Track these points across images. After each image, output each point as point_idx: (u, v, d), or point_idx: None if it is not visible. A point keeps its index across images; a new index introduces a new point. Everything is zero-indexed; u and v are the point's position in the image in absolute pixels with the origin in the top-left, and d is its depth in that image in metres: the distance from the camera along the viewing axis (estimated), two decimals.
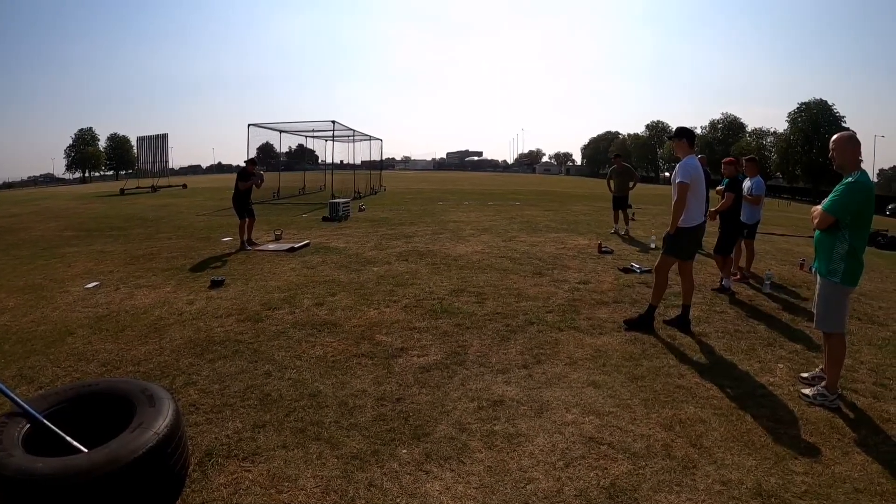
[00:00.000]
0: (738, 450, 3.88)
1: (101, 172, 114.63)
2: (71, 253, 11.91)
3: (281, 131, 29.03)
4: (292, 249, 11.45)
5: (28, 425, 3.27)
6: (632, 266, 9.89)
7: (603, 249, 11.61)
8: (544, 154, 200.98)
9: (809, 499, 3.34)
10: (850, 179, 4.46)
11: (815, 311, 4.82)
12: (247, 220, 12.26)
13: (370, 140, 32.53)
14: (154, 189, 38.03)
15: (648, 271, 9.21)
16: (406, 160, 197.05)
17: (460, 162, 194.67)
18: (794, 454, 3.84)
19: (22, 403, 3.36)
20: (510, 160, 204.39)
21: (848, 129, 66.13)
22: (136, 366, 5.42)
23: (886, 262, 13.09)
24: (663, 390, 4.82)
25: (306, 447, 3.88)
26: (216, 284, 8.51)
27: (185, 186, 42.65)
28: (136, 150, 43.72)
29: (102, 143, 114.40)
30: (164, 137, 41.36)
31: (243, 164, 12.73)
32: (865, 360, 5.71)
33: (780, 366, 5.47)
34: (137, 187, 38.77)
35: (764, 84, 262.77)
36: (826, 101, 72.50)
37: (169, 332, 6.40)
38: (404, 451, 3.84)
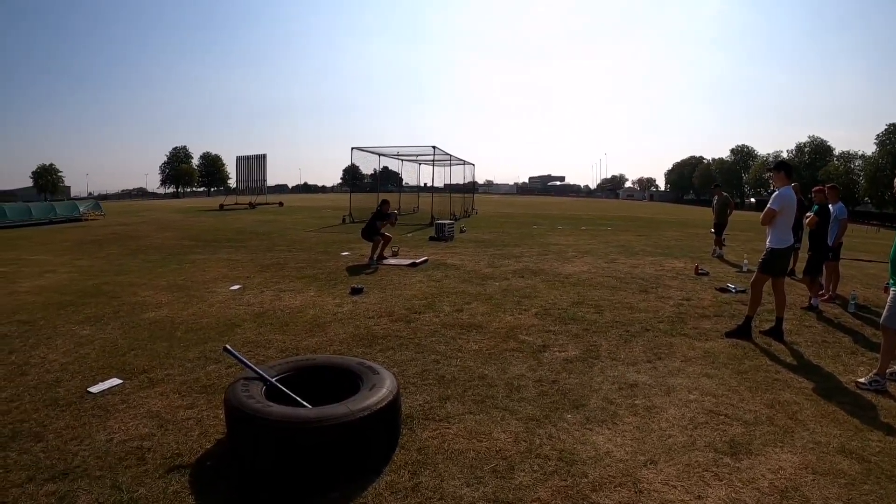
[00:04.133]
0: (826, 423, 4.80)
1: (193, 188, 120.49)
2: (200, 259, 13.68)
3: (381, 154, 30.75)
4: (413, 265, 12.76)
5: (264, 387, 4.13)
6: (728, 286, 10.43)
7: (700, 271, 12.16)
8: (627, 179, 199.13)
9: (882, 456, 4.23)
10: None
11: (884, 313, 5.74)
12: (379, 239, 13.50)
13: (464, 165, 33.85)
14: (252, 206, 40.01)
15: (743, 291, 9.79)
16: (489, 184, 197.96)
17: (543, 186, 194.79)
18: (870, 428, 4.74)
19: (258, 370, 4.27)
20: (592, 185, 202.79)
21: None
22: (313, 352, 6.34)
23: None
24: (763, 381, 5.76)
25: (489, 413, 4.84)
26: (356, 291, 9.68)
27: (281, 204, 44.63)
28: (235, 169, 45.69)
29: (195, 161, 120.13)
30: (262, 158, 43.41)
31: (379, 206, 14.02)
32: None
33: (862, 368, 6.25)
34: (236, 203, 40.96)
35: (847, 105, 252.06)
36: None
37: (330, 328, 7.44)
38: (569, 415, 4.83)
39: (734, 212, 17.35)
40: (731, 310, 8.77)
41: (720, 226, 16.51)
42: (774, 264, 7.27)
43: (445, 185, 36.05)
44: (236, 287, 10.12)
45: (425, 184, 39.40)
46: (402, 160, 33.83)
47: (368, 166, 31.27)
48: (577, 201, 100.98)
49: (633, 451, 4.22)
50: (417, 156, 30.48)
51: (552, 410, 4.95)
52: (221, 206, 39.90)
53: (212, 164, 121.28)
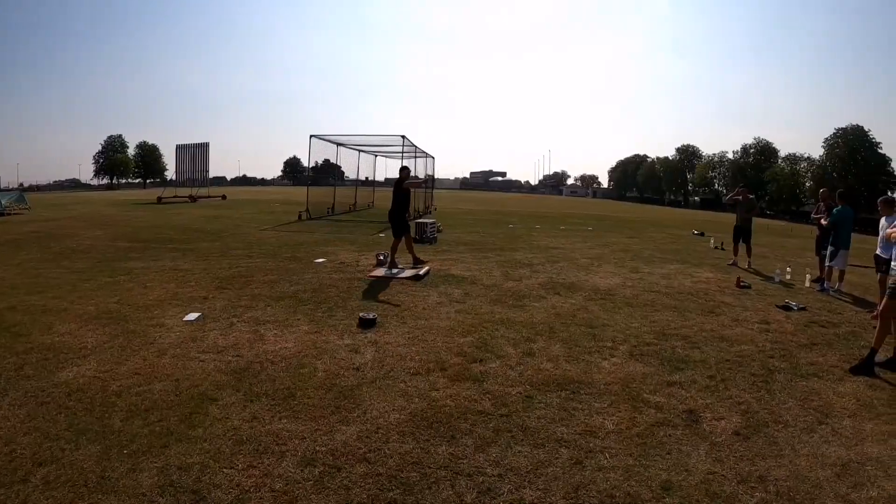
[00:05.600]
0: None
1: (129, 180, 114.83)
2: (138, 269, 10.63)
3: (340, 144, 27.95)
4: (417, 277, 10.31)
5: None
6: (789, 304, 9.64)
7: (742, 284, 11.21)
8: (569, 176, 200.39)
9: None
10: None
11: None
12: (403, 237, 11.46)
13: (427, 157, 31.50)
14: (193, 199, 36.86)
15: (804, 308, 9.39)
16: (430, 179, 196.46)
17: (484, 182, 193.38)
18: None
19: None
20: (534, 181, 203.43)
21: (884, 154, 65.44)
22: (372, 466, 3.91)
23: None
24: None
25: None
26: (368, 324, 7.19)
27: (224, 198, 41.38)
28: (175, 159, 42.49)
29: (131, 151, 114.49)
30: (205, 147, 40.19)
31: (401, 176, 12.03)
32: None
33: None
34: (175, 196, 37.67)
35: (790, 108, 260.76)
36: (862, 127, 71.40)
37: (365, 400, 4.97)
38: None
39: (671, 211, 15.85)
40: (817, 335, 7.91)
41: (745, 232, 14.56)
42: None
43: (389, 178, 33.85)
44: (194, 317, 7.27)
45: (367, 178, 36.91)
46: (360, 151, 31.15)
47: (322, 157, 28.56)
48: (524, 197, 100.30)
49: None
50: (382, 146, 27.91)
51: None
52: (160, 198, 36.58)
53: (149, 155, 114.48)
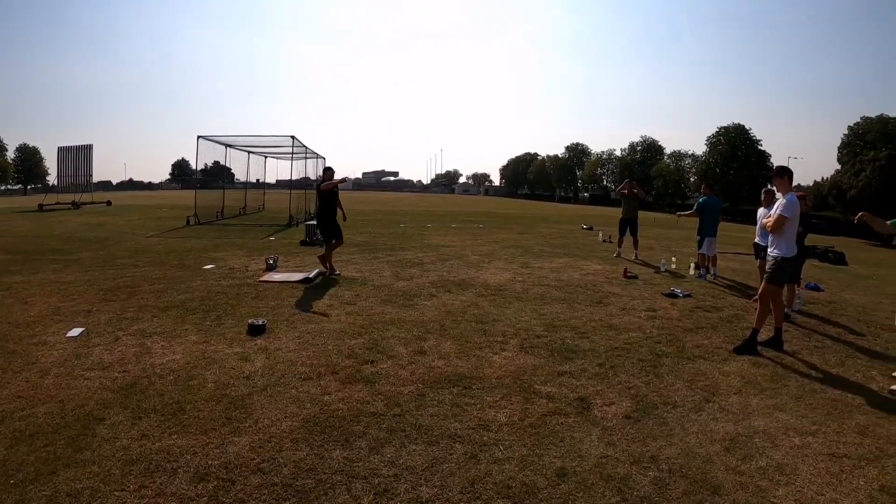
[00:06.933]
0: None
1: (9, 186, 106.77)
2: (17, 283, 9.65)
3: (228, 145, 26.73)
4: (307, 280, 10.01)
5: None
6: (673, 291, 10.11)
7: (629, 275, 11.68)
8: (462, 175, 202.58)
9: None
10: None
11: None
12: (334, 241, 11.02)
13: (317, 158, 30.95)
14: (76, 206, 34.56)
15: (689, 295, 9.92)
16: (347, 179, 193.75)
17: (377, 182, 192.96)
18: None
19: None
20: (426, 180, 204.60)
21: (764, 151, 69.28)
22: (266, 476, 3.75)
23: (840, 274, 15.23)
24: (825, 403, 5.44)
25: None
26: (257, 330, 6.91)
27: (109, 203, 38.78)
28: (57, 163, 39.71)
29: (10, 155, 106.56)
30: (88, 149, 37.39)
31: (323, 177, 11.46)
32: None
33: (874, 371, 6.46)
34: (57, 203, 35.20)
35: (675, 108, 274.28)
36: (743, 126, 75.31)
37: (256, 408, 4.78)
38: None
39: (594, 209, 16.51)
40: (702, 319, 8.48)
41: (632, 223, 15.07)
42: (783, 274, 7.04)
43: (297, 180, 32.97)
44: (77, 332, 6.66)
45: (258, 180, 35.71)
46: (250, 153, 30.23)
47: (211, 159, 27.54)
48: (417, 197, 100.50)
49: None
50: (271, 147, 27.10)
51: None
52: (41, 205, 33.86)
53: (30, 158, 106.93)
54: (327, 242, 11.06)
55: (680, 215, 14.53)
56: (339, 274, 10.81)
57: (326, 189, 10.91)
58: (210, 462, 3.88)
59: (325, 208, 11.09)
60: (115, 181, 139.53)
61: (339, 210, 11.34)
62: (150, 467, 3.80)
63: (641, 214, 15.82)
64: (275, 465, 3.87)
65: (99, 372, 5.48)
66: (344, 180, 11.26)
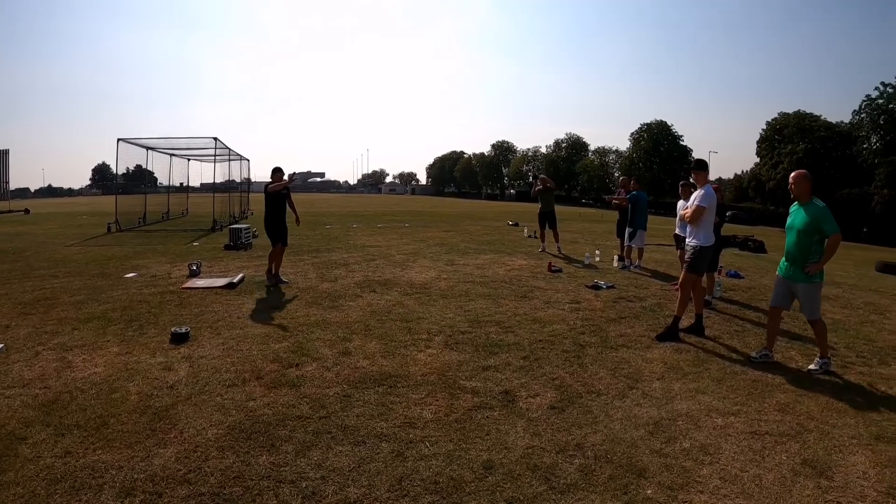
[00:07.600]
0: (833, 416, 5.05)
1: None
2: None
3: (150, 148, 25.65)
4: (231, 285, 9.84)
5: None
6: (597, 283, 10.33)
7: (553, 269, 11.95)
8: (388, 174, 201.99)
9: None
10: (822, 204, 5.92)
11: (804, 310, 6.21)
12: (280, 245, 10.49)
13: (241, 160, 30.42)
14: None
15: (613, 287, 10.19)
16: (246, 181, 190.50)
17: (303, 183, 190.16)
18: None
19: None
20: (352, 181, 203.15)
21: (685, 146, 71.40)
22: (193, 486, 3.70)
23: (760, 262, 15.78)
24: (745, 385, 5.71)
25: None
26: (180, 338, 6.76)
27: (27, 211, 37.00)
28: None
29: None
30: (4, 154, 36.06)
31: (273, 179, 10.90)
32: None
33: (794, 352, 6.78)
34: None
35: (601, 107, 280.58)
36: (665, 122, 77.97)
37: (181, 418, 4.67)
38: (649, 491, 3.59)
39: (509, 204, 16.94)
40: (625, 310, 8.72)
41: (550, 216, 15.46)
42: (703, 262, 7.27)
43: (221, 183, 32.19)
44: None
45: (182, 183, 34.46)
46: (172, 155, 29.33)
47: (133, 162, 26.66)
48: (343, 197, 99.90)
49: None
50: (193, 149, 26.36)
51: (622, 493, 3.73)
52: None
53: None
54: (273, 246, 10.63)
55: (611, 199, 14.47)
56: (288, 282, 10.43)
57: (273, 191, 10.57)
58: (136, 476, 3.78)
59: (271, 211, 10.66)
60: (33, 188, 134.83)
61: (292, 212, 11.04)
62: (75, 485, 3.68)
63: (566, 209, 16.16)
64: (201, 475, 3.81)
65: (19, 389, 5.25)
66: (293, 179, 10.85)
